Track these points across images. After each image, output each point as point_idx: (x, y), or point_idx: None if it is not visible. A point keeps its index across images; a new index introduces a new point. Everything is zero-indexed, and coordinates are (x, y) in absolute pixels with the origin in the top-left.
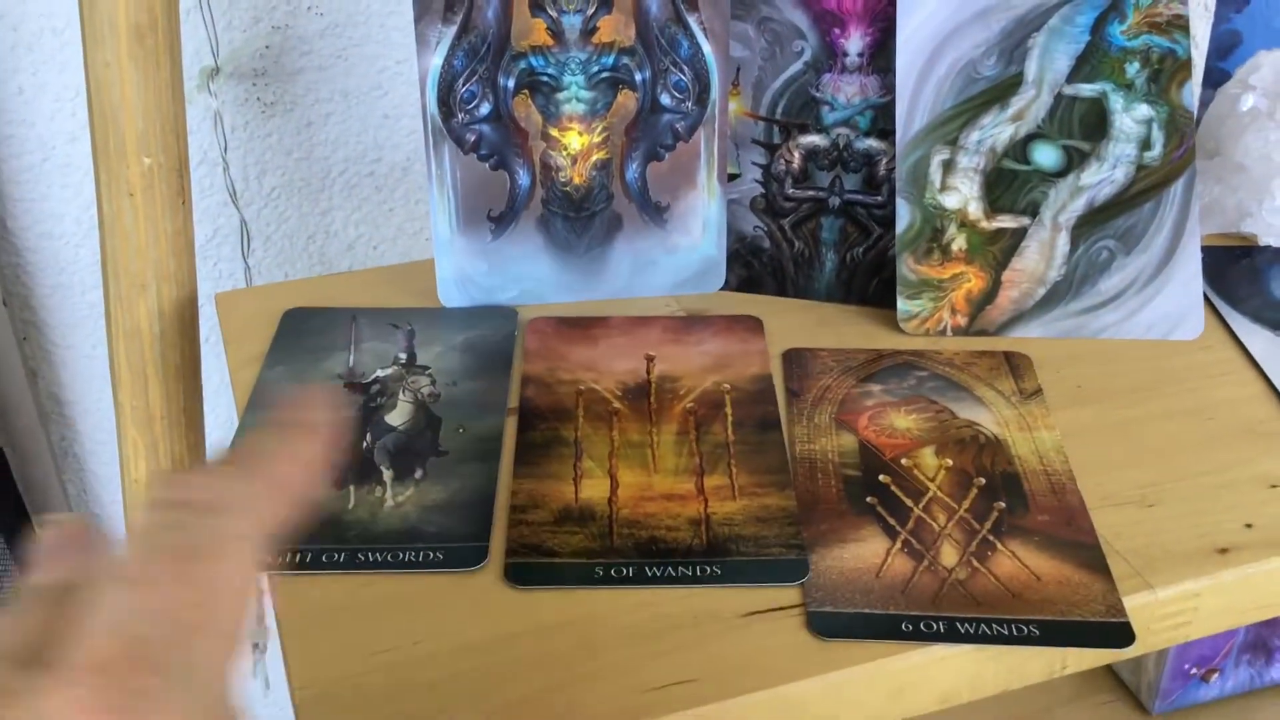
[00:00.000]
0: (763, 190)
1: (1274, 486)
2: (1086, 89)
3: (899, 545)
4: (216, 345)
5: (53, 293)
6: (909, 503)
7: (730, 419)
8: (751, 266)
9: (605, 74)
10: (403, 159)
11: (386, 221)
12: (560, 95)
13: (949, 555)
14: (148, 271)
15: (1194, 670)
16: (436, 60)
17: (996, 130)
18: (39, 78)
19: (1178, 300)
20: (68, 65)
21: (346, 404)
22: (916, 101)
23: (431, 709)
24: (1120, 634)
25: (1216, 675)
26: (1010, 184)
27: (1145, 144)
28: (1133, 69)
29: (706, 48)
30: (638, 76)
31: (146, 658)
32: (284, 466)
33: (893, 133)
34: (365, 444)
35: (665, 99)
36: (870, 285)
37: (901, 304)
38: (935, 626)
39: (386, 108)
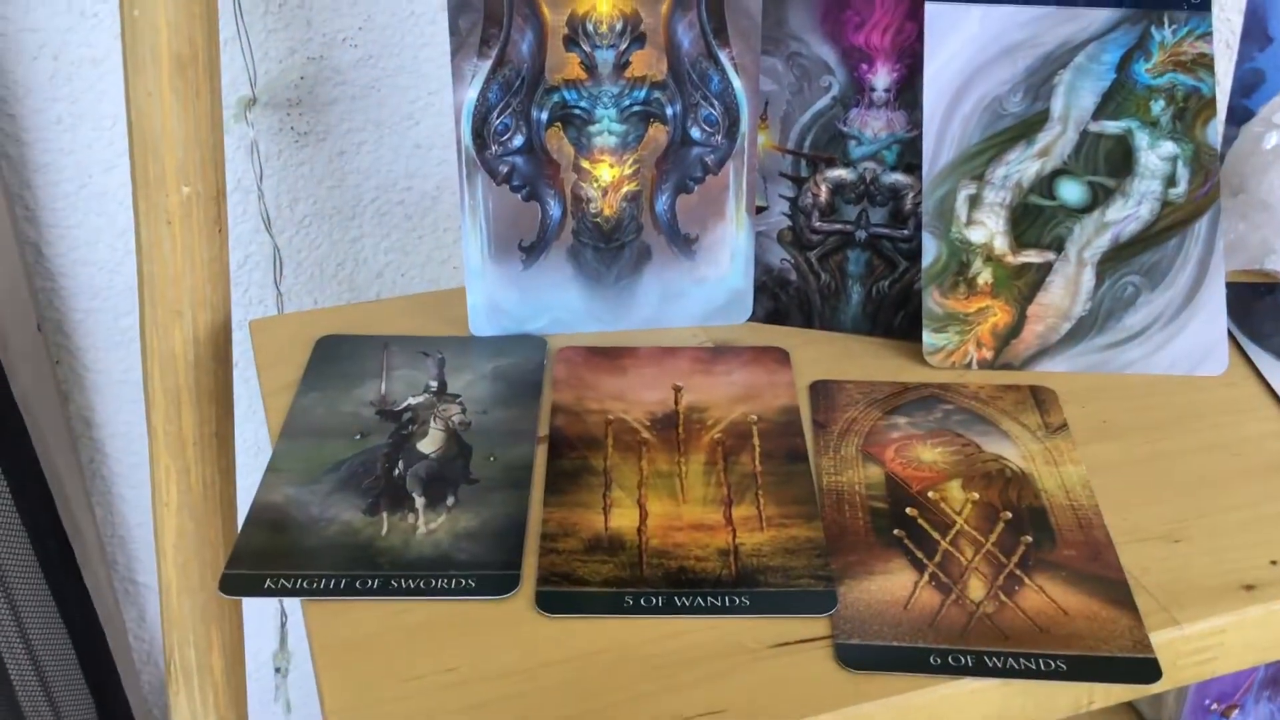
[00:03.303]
0: (790, 223)
1: None
2: (1112, 126)
3: (926, 578)
4: (245, 370)
5: (86, 317)
6: (936, 536)
7: (758, 450)
8: (779, 298)
9: (637, 107)
10: (433, 188)
11: (416, 249)
12: (592, 128)
13: (976, 589)
14: (184, 298)
15: (1214, 706)
16: (472, 93)
17: (1022, 166)
18: (78, 107)
19: (1202, 336)
20: (106, 95)
21: (378, 431)
22: (943, 136)
23: None
24: (1147, 670)
25: (1237, 711)
26: (1036, 219)
27: (1170, 181)
28: (1158, 107)
29: (736, 82)
30: (669, 110)
31: None
32: None
33: (919, 167)
34: (397, 471)
35: (695, 132)
36: (896, 318)
37: (927, 337)
38: (963, 660)
39: (418, 137)
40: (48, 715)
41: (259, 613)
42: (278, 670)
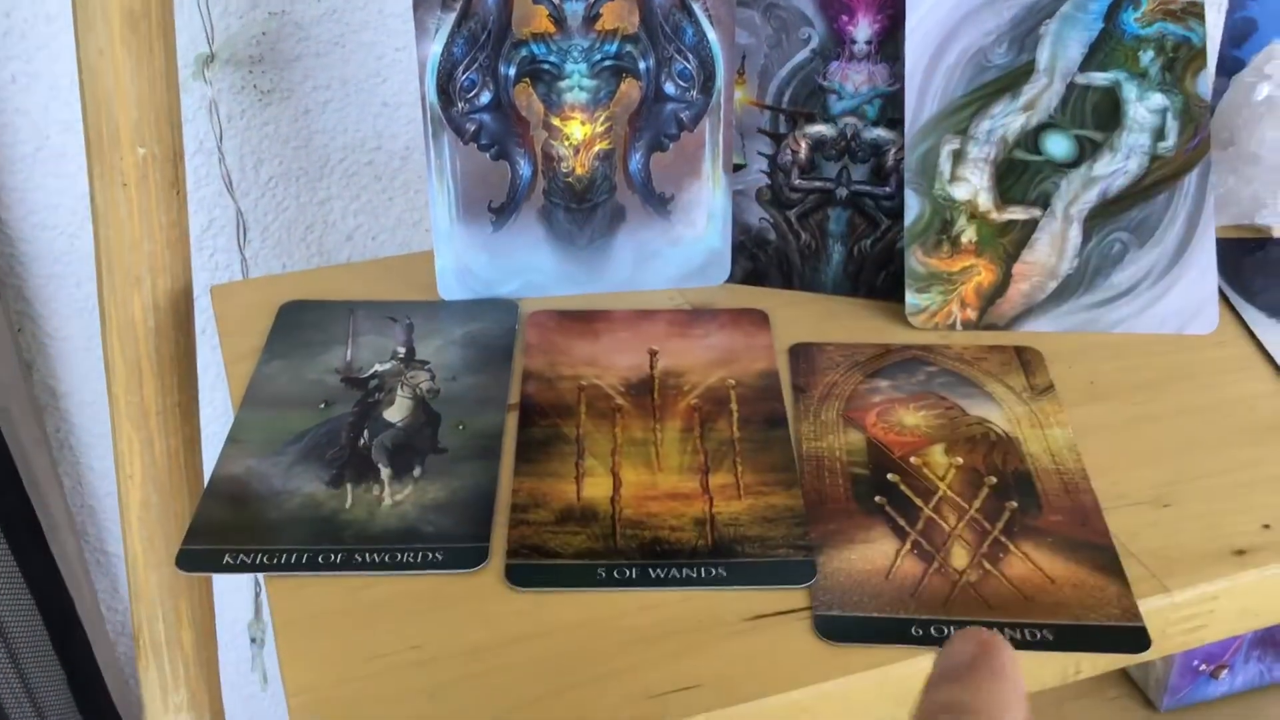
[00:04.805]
0: (769, 181)
1: None
2: (1099, 78)
3: (908, 546)
4: (212, 338)
5: (47, 283)
6: (918, 502)
7: (736, 415)
8: (757, 259)
9: (608, 62)
10: (401, 148)
11: (386, 211)
12: (562, 84)
13: (960, 557)
14: (142, 264)
15: (1203, 666)
16: (436, 48)
17: (1007, 120)
18: (33, 65)
19: (1192, 293)
20: (62, 53)
21: (344, 400)
22: (926, 90)
23: (429, 715)
24: (1136, 638)
25: (1226, 671)
26: (1021, 175)
27: (1159, 134)
28: (1147, 57)
29: (711, 35)
30: (641, 64)
31: None
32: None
33: (901, 122)
34: (363, 441)
35: (669, 88)
36: (878, 278)
37: (910, 297)
38: (946, 631)
39: (385, 95)
40: (19, 688)
41: (234, 583)
42: (253, 640)
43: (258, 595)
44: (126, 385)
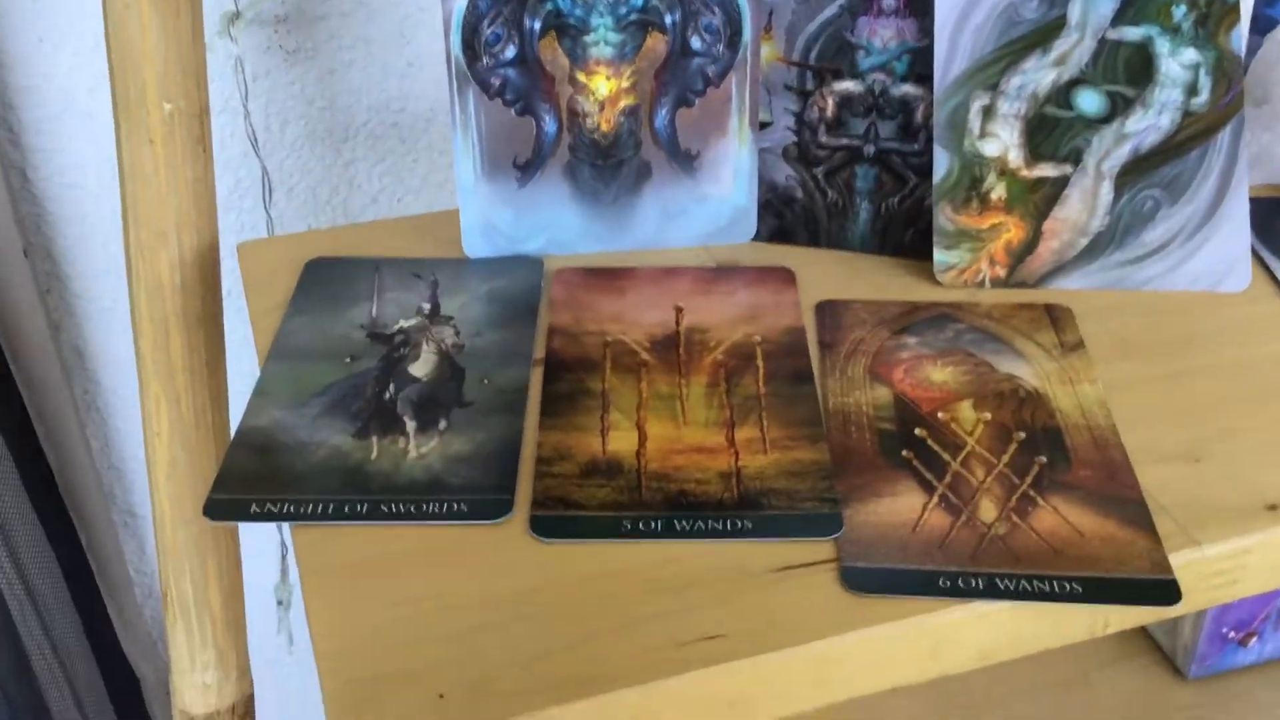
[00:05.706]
0: (795, 138)
1: None
2: (1131, 32)
3: (936, 500)
4: (238, 299)
5: (74, 244)
6: (946, 457)
7: (761, 371)
8: (783, 217)
9: (634, 16)
10: (426, 109)
11: (410, 173)
12: (588, 38)
13: (988, 510)
14: (168, 220)
15: (1231, 634)
16: (461, 1)
17: (1038, 75)
18: (59, 27)
19: (1224, 251)
20: (89, 15)
21: (369, 355)
22: (955, 45)
23: (454, 662)
24: (1166, 591)
25: (1254, 639)
26: (1052, 131)
27: (1192, 90)
28: (1179, 12)
29: None
30: (667, 18)
31: None
32: None
33: (930, 78)
34: (388, 394)
35: (695, 42)
36: (906, 236)
37: (938, 255)
38: (974, 583)
39: (410, 55)
40: (53, 661)
41: (260, 545)
42: (279, 603)
43: (284, 558)
44: (154, 342)
